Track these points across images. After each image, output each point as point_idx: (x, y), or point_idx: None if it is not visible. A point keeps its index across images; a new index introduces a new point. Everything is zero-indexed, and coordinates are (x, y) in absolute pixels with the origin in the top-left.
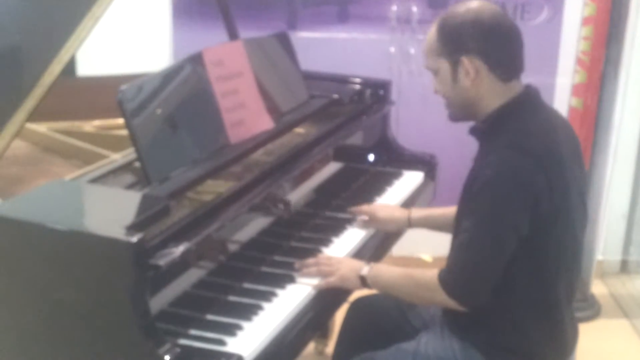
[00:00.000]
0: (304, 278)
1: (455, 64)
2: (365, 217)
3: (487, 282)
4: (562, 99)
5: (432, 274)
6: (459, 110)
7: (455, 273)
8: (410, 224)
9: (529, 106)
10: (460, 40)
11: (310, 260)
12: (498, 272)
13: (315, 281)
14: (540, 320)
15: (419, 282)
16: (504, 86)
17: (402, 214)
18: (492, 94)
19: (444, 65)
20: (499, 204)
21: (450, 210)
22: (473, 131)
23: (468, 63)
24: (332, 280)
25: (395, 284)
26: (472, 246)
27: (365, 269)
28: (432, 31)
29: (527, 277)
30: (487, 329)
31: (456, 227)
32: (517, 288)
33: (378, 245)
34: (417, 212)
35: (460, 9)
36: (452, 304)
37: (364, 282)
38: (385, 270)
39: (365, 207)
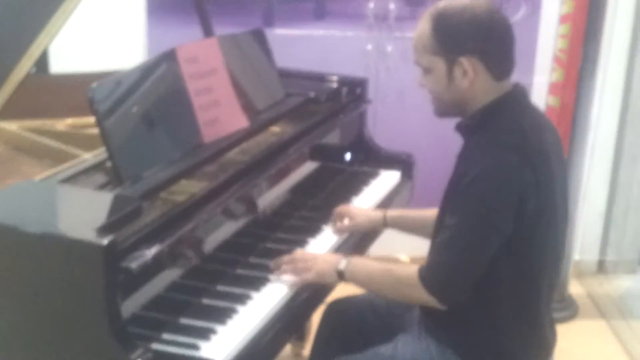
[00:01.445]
0: (280, 277)
1: (451, 64)
2: (343, 220)
3: (467, 281)
4: (539, 97)
5: (413, 270)
6: (448, 108)
7: (435, 270)
8: (386, 223)
9: (516, 104)
10: (458, 39)
11: (285, 258)
12: (479, 271)
13: (291, 280)
14: (520, 322)
15: (399, 278)
16: (497, 84)
17: (377, 213)
18: (484, 92)
19: (439, 65)
20: (484, 202)
21: (427, 213)
22: (459, 128)
23: (467, 63)
24: (308, 276)
25: (373, 279)
26: (454, 244)
27: (342, 262)
28: (424, 27)
29: (508, 277)
30: (465, 331)
31: (438, 223)
32: (498, 289)
33: (355, 246)
34: (392, 212)
35: (455, 4)
36: (431, 301)
37: (341, 276)
38: (363, 264)
39: (339, 209)
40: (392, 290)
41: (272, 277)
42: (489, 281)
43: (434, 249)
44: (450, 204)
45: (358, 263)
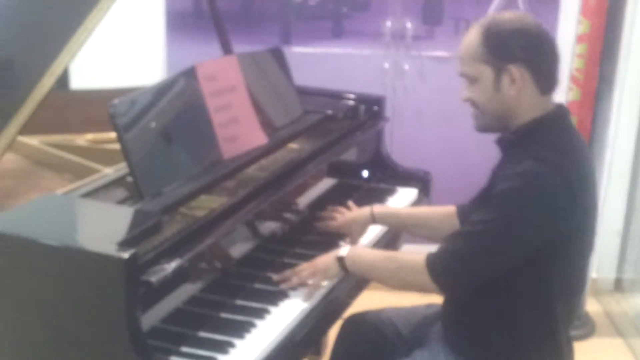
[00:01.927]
0: (297, 293)
1: (499, 72)
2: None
3: (472, 277)
4: None
5: (419, 256)
6: (492, 120)
7: (445, 258)
8: (374, 219)
9: (561, 124)
10: (508, 47)
11: (287, 273)
12: (486, 273)
13: (306, 292)
14: (540, 341)
15: (403, 263)
16: (541, 99)
17: (364, 209)
18: (529, 106)
19: (487, 73)
20: (517, 212)
21: (418, 211)
22: (500, 142)
23: (516, 71)
24: (315, 279)
25: (375, 265)
26: (472, 239)
27: (342, 250)
28: (472, 37)
29: (531, 294)
30: (485, 346)
31: (464, 222)
32: (520, 305)
33: None
34: (379, 208)
35: (505, 16)
36: (431, 288)
37: (342, 263)
38: (365, 251)
39: (327, 213)
40: (394, 277)
41: (290, 292)
42: (511, 297)
43: (450, 237)
44: (482, 204)
45: (359, 250)
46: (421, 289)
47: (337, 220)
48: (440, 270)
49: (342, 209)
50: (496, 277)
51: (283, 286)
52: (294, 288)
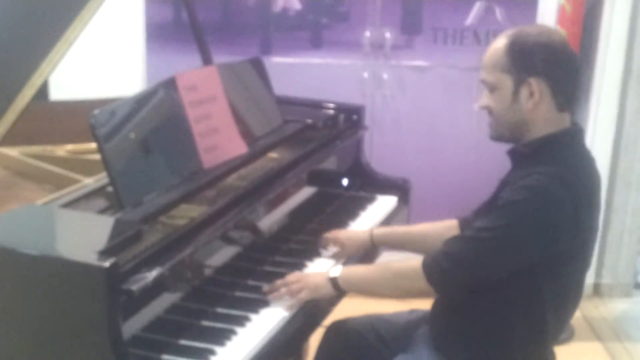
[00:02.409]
0: (277, 300)
1: (519, 83)
2: (333, 247)
3: (468, 280)
4: None
5: (414, 262)
6: (506, 131)
7: (443, 259)
8: (373, 241)
9: (574, 142)
10: (531, 60)
11: (278, 282)
12: (482, 278)
13: (288, 302)
14: (528, 348)
15: (398, 271)
16: (557, 115)
17: (363, 234)
18: (544, 120)
19: (507, 83)
20: (518, 222)
21: (414, 229)
22: (512, 153)
23: (535, 85)
24: (303, 295)
25: (370, 278)
26: (474, 244)
27: (334, 269)
28: (498, 45)
29: (525, 305)
30: (474, 351)
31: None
32: (513, 315)
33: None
34: (378, 230)
35: (532, 29)
36: (428, 290)
37: (335, 284)
38: (357, 268)
39: (327, 236)
40: (389, 285)
41: (270, 299)
42: (504, 303)
43: (450, 240)
44: (484, 212)
45: (351, 267)
46: (419, 293)
47: (337, 243)
48: (435, 271)
49: (340, 235)
50: (491, 282)
51: (271, 296)
52: (279, 298)
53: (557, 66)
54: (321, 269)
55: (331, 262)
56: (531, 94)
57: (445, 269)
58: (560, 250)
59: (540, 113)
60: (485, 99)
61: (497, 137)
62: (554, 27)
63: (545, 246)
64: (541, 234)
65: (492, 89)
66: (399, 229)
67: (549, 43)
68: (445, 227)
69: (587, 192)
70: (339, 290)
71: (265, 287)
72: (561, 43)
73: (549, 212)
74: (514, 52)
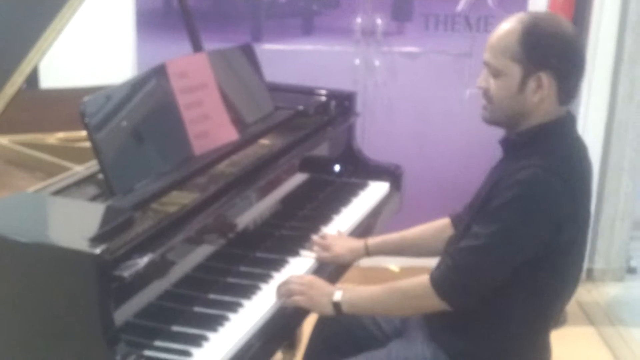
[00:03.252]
0: (266, 288)
1: (528, 75)
2: (323, 252)
3: (480, 289)
4: None
5: (421, 280)
6: (503, 117)
7: (452, 273)
8: (368, 252)
9: (567, 131)
10: (545, 53)
11: (288, 277)
12: (494, 282)
13: (275, 285)
14: (523, 340)
15: (407, 291)
16: (558, 108)
17: (358, 243)
18: (545, 112)
19: (515, 72)
20: (522, 221)
21: (407, 234)
22: (504, 142)
23: (546, 80)
24: (301, 299)
25: (377, 302)
26: (480, 253)
27: (337, 293)
28: (512, 30)
29: (523, 298)
30: (468, 339)
31: (464, 230)
32: (510, 306)
33: None
34: (373, 240)
35: (547, 18)
36: (441, 305)
37: (337, 308)
38: (362, 290)
39: (319, 240)
40: (399, 305)
41: (263, 285)
42: (502, 298)
43: (455, 252)
44: (482, 214)
45: (356, 290)
46: (430, 309)
47: (331, 252)
48: (448, 288)
49: (331, 240)
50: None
51: (276, 292)
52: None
53: (568, 62)
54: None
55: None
56: (539, 88)
57: (458, 283)
58: (560, 241)
59: (542, 106)
60: (486, 81)
61: (492, 122)
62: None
63: (547, 240)
64: (543, 229)
65: (496, 74)
66: (392, 236)
67: (565, 36)
68: (439, 227)
69: (582, 181)
70: (340, 313)
71: (261, 271)
72: (575, 37)
73: (547, 206)
74: (528, 42)
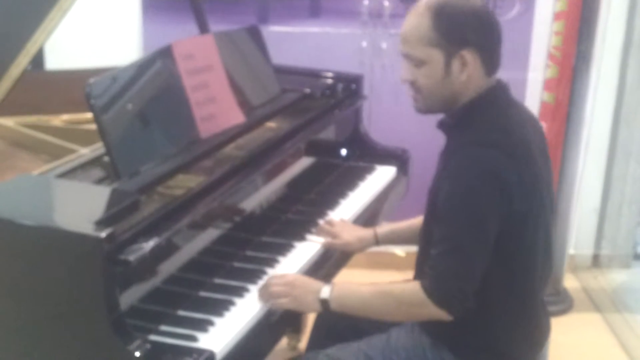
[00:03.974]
0: (272, 272)
1: (450, 56)
2: (332, 239)
3: (474, 285)
4: (533, 94)
5: (415, 288)
6: (436, 103)
7: (444, 282)
8: (377, 241)
9: (499, 101)
10: (461, 32)
11: (268, 280)
12: (481, 272)
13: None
14: (512, 315)
15: (401, 298)
16: (486, 80)
17: (367, 232)
18: (475, 87)
19: (437, 57)
20: (474, 203)
21: (415, 222)
22: (442, 125)
23: (469, 56)
24: (284, 301)
25: (368, 304)
26: (456, 252)
27: (325, 290)
28: (421, 19)
29: (500, 273)
30: (458, 327)
31: (427, 228)
32: (490, 286)
33: None
34: (382, 229)
35: None
36: (441, 315)
37: (325, 305)
38: (351, 289)
39: (328, 227)
40: (395, 312)
41: (269, 270)
42: (481, 277)
43: (434, 262)
44: (439, 208)
45: (344, 289)
46: (427, 317)
47: (341, 240)
48: (445, 296)
49: (339, 227)
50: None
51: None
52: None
53: (485, 33)
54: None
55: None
56: (464, 66)
57: (453, 288)
58: (514, 211)
59: (471, 82)
60: (409, 73)
61: (427, 111)
62: None
63: (504, 210)
64: (495, 200)
65: (419, 64)
66: (401, 225)
67: (474, 11)
68: None
69: (521, 145)
70: (328, 310)
71: (267, 256)
72: (484, 8)
73: (490, 177)
74: (442, 24)
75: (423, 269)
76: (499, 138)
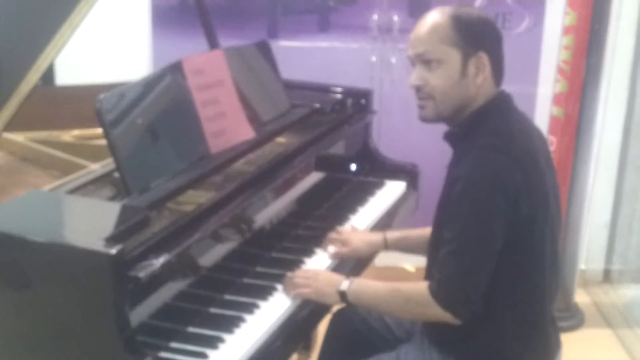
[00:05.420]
0: (282, 289)
1: (468, 57)
2: (340, 247)
3: (478, 290)
4: (543, 108)
5: (423, 288)
6: (449, 110)
7: (449, 284)
8: (387, 245)
9: (503, 109)
10: (480, 34)
11: (289, 274)
12: (487, 277)
13: (289, 294)
14: (522, 328)
15: (409, 297)
16: (494, 90)
17: (377, 237)
18: (484, 95)
19: (455, 56)
20: (481, 206)
21: (427, 231)
22: (448, 137)
23: (486, 59)
24: (307, 292)
25: (381, 300)
26: (462, 254)
27: (344, 283)
28: (440, 20)
29: (508, 283)
30: (468, 341)
31: (436, 237)
32: (498, 295)
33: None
34: (393, 234)
35: (464, 7)
36: (445, 316)
37: (343, 297)
38: (368, 285)
39: (336, 235)
40: (403, 310)
41: (279, 286)
42: (489, 288)
43: (442, 264)
44: (446, 215)
45: (361, 284)
46: (433, 318)
47: (349, 246)
48: (449, 299)
49: (347, 235)
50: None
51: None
52: (282, 283)
53: (496, 42)
54: (331, 252)
55: (333, 261)
56: (479, 70)
57: (458, 292)
58: (520, 217)
59: (483, 89)
60: (421, 77)
61: (436, 118)
62: (563, 9)
63: (510, 215)
64: (503, 204)
65: (437, 63)
66: (412, 233)
67: (487, 20)
68: None
69: (526, 151)
70: (346, 303)
71: (278, 272)
72: (491, 19)
73: (498, 181)
74: (462, 25)
75: (432, 272)
76: (506, 143)
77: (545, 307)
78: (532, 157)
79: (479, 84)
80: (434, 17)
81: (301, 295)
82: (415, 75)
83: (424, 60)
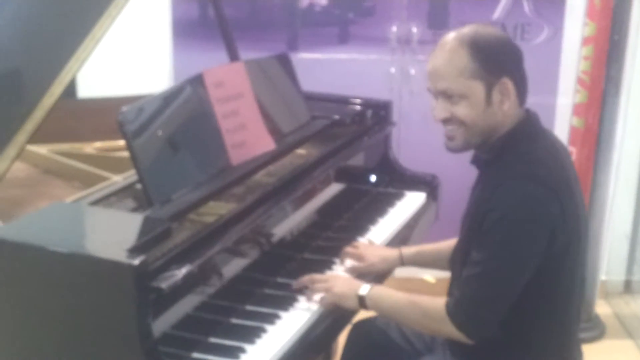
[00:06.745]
0: (303, 299)
1: (491, 86)
2: (355, 262)
3: (495, 316)
4: (563, 119)
5: (440, 303)
6: (478, 138)
7: (465, 305)
8: (403, 261)
9: (532, 132)
10: (500, 59)
11: (305, 279)
12: (506, 306)
13: (313, 301)
14: (548, 345)
15: (426, 311)
16: (519, 111)
17: (392, 252)
18: (511, 119)
19: (478, 89)
20: (515, 239)
21: (442, 245)
22: (477, 161)
23: (510, 84)
24: (327, 296)
25: (398, 309)
26: (485, 280)
27: (364, 288)
28: (457, 53)
29: (537, 303)
30: (492, 353)
31: (461, 255)
32: (527, 316)
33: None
34: (408, 249)
35: (485, 29)
36: (459, 336)
37: (362, 302)
38: (387, 293)
39: (352, 250)
40: (418, 323)
41: (300, 297)
42: (516, 311)
43: (463, 285)
44: (475, 238)
45: (381, 291)
46: (447, 336)
47: (365, 262)
48: (464, 320)
49: (363, 249)
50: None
51: (296, 290)
52: (302, 292)
53: (517, 62)
54: (351, 263)
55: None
56: (504, 94)
57: (472, 315)
58: (556, 246)
59: (509, 113)
60: (446, 110)
61: (466, 147)
62: (582, 20)
63: (544, 248)
64: (538, 239)
65: (460, 97)
66: (427, 247)
67: (505, 40)
68: None
69: (561, 179)
70: (364, 308)
71: (294, 283)
72: (508, 36)
73: (535, 214)
74: (481, 54)
75: (453, 288)
76: (540, 172)
77: (573, 328)
78: (566, 183)
79: (505, 109)
80: (450, 50)
81: (322, 301)
82: (440, 108)
83: (446, 95)
